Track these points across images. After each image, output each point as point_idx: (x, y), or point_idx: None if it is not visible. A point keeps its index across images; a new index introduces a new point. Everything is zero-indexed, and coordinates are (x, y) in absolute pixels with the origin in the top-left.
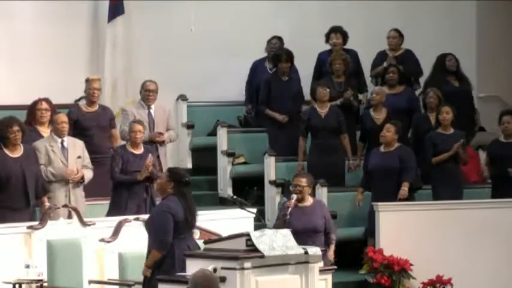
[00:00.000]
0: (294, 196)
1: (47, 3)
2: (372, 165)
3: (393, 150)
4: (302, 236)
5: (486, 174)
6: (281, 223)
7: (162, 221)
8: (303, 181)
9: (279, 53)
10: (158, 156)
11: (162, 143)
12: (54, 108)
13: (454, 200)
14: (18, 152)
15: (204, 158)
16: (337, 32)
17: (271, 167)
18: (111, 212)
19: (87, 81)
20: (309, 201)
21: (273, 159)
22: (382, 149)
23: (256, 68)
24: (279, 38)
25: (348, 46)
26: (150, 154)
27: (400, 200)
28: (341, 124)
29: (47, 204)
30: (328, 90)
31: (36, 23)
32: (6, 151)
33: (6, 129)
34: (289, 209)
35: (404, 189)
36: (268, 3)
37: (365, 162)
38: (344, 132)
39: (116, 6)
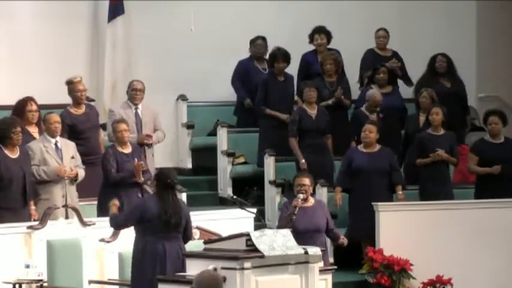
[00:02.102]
0: (301, 195)
1: (47, 3)
2: (359, 165)
3: (379, 151)
4: (304, 236)
5: (477, 170)
6: (286, 223)
7: (131, 208)
8: (307, 181)
9: (275, 54)
10: (145, 157)
11: (150, 145)
12: (39, 108)
13: (442, 200)
14: (15, 153)
15: (204, 158)
16: (321, 33)
17: (271, 167)
18: (102, 213)
19: (71, 83)
20: (311, 201)
21: (272, 159)
22: (363, 149)
23: (247, 67)
24: (263, 38)
25: (346, 46)
26: (135, 159)
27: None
28: (328, 125)
29: (33, 207)
30: (315, 91)
31: (36, 23)
32: (6, 152)
33: (10, 129)
34: (297, 208)
35: (400, 193)
36: (269, 3)
37: (345, 161)
38: (328, 132)
39: (116, 6)
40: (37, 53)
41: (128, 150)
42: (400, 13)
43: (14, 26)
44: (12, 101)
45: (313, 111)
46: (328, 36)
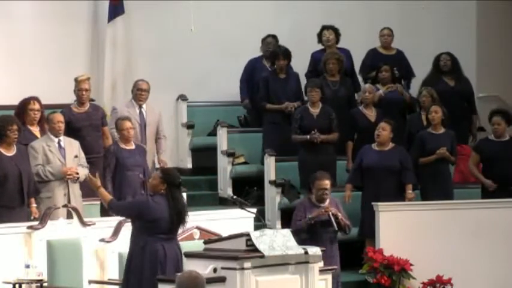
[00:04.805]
0: (331, 210)
1: (47, 3)
2: (369, 163)
3: (390, 150)
4: (325, 237)
5: (475, 172)
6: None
7: (134, 201)
8: (328, 183)
9: (276, 51)
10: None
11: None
12: (43, 108)
13: (443, 199)
14: (12, 151)
15: (204, 158)
16: (329, 29)
17: (271, 167)
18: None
19: (76, 81)
20: (327, 201)
21: (273, 159)
22: (376, 147)
23: (255, 66)
24: (274, 37)
25: (348, 46)
26: (140, 174)
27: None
28: (332, 123)
29: (34, 205)
30: (318, 90)
31: (36, 23)
32: (1, 150)
33: (7, 127)
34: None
35: (410, 192)
36: (268, 3)
37: (357, 159)
38: (334, 130)
39: (116, 6)
40: (37, 53)
41: (130, 146)
42: (400, 13)
43: (13, 26)
44: (12, 101)
45: (315, 111)
46: (336, 33)
